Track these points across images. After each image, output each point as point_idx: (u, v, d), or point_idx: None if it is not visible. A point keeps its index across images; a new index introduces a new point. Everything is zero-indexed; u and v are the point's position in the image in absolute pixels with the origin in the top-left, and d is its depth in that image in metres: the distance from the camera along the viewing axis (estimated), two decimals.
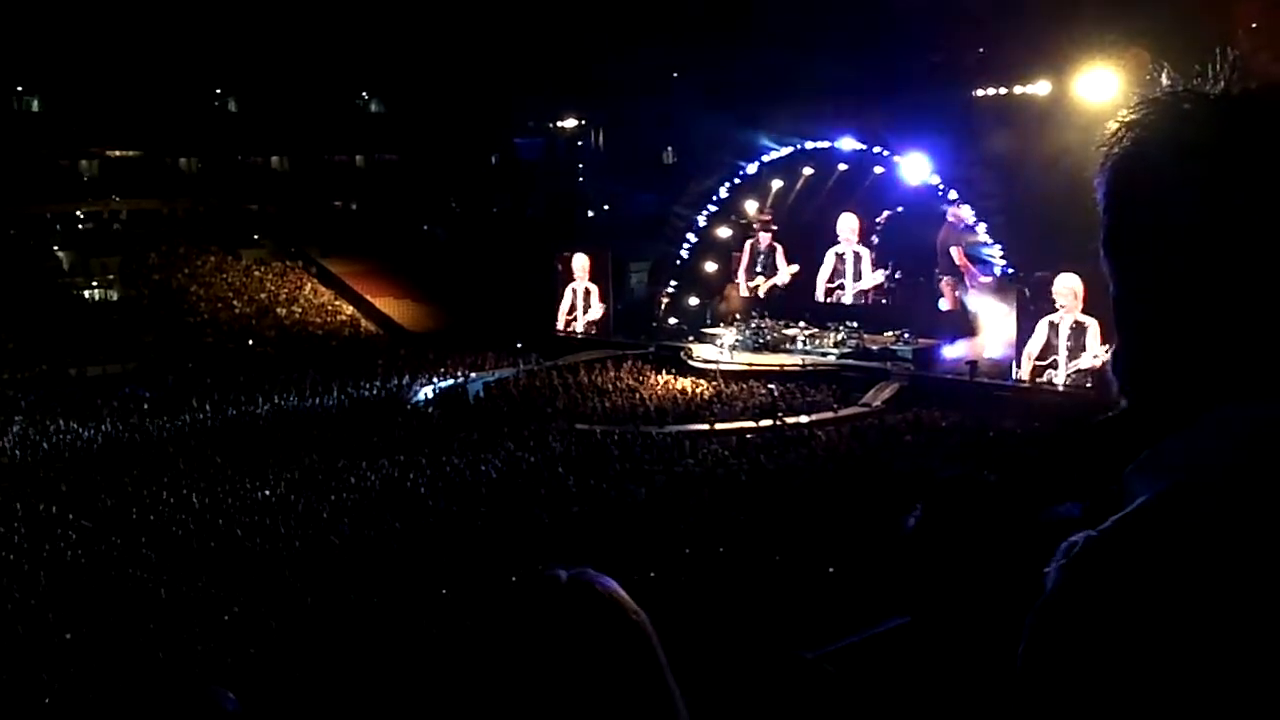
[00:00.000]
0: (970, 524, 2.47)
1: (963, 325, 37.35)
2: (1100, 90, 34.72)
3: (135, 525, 22.46)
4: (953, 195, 37.92)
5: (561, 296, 47.43)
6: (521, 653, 1.52)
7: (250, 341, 45.20)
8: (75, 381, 38.28)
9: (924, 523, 2.54)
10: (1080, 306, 32.26)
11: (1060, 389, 32.55)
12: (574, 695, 1.49)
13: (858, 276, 43.55)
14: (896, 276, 41.68)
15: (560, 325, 47.27)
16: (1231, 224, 1.07)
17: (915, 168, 38.80)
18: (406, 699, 13.20)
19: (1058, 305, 32.90)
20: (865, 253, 43.13)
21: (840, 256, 44.00)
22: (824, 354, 38.91)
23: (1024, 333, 33.93)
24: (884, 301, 42.41)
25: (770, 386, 34.77)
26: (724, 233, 45.65)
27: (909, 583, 2.55)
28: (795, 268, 45.13)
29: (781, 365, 37.85)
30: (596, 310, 46.49)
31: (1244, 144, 1.08)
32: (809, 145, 41.69)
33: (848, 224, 43.46)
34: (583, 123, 62.05)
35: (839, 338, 39.61)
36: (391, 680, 13.59)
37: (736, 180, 44.22)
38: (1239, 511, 1.01)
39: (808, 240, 44.97)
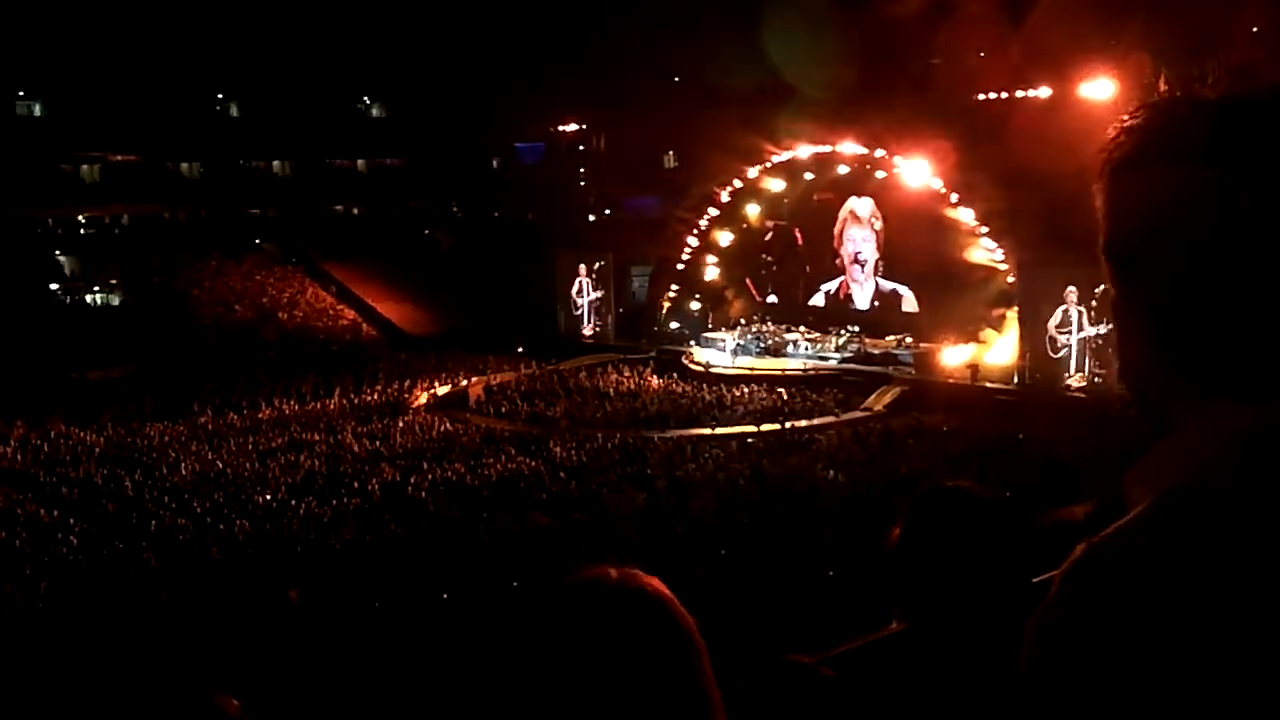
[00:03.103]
0: (952, 533, 2.47)
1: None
2: (1101, 94, 34.72)
3: (137, 530, 22.47)
4: (954, 199, 37.86)
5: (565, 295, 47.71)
6: (568, 652, 1.50)
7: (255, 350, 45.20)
8: (77, 386, 38.29)
9: (906, 533, 2.54)
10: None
11: (1073, 392, 32.51)
12: (619, 697, 1.48)
13: (877, 271, 42.93)
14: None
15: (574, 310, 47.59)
16: (1230, 227, 1.07)
17: (916, 171, 38.73)
18: (408, 703, 13.20)
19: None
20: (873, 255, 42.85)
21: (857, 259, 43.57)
22: (825, 358, 38.89)
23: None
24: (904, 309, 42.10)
25: (780, 390, 34.78)
26: (726, 237, 45.62)
27: (896, 592, 2.55)
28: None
29: (783, 369, 37.84)
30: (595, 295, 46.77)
31: (1243, 147, 1.08)
32: (810, 149, 41.58)
33: (865, 207, 42.60)
34: (584, 127, 62.11)
35: (840, 341, 39.60)
36: (393, 684, 13.59)
37: (738, 184, 44.17)
38: (1236, 516, 1.01)
39: (810, 243, 44.99)
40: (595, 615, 1.54)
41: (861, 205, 42.59)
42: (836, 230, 43.66)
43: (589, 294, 47.15)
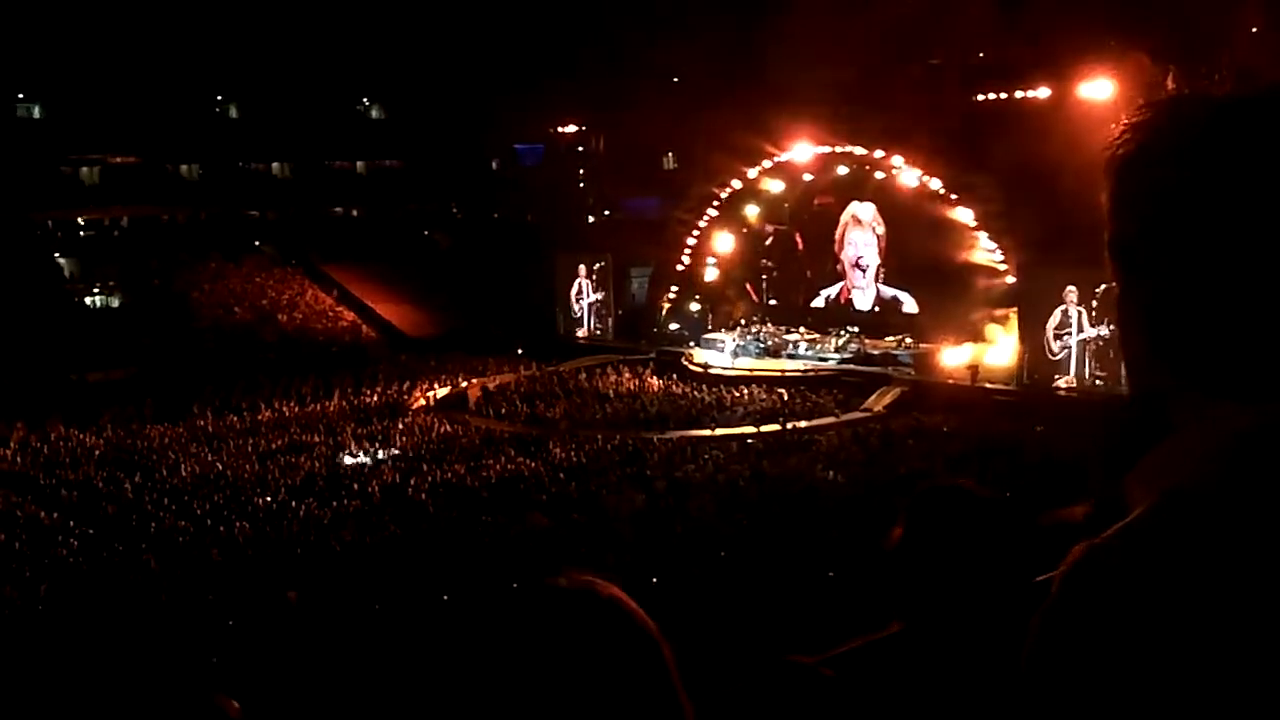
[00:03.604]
0: (952, 533, 2.47)
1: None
2: (1101, 94, 34.73)
3: (137, 532, 22.47)
4: (954, 199, 37.84)
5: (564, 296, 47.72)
6: (523, 664, 1.49)
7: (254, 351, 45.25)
8: (76, 388, 38.30)
9: (907, 533, 2.54)
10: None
11: (1063, 393, 32.51)
12: (579, 708, 1.47)
13: (879, 277, 42.70)
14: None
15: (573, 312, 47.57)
16: (1233, 226, 1.07)
17: (915, 173, 38.70)
18: (408, 704, 13.19)
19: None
20: (875, 260, 42.62)
21: (858, 264, 43.35)
22: (825, 359, 38.88)
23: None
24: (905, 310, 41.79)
25: (780, 391, 34.80)
26: (725, 238, 45.60)
27: (897, 592, 2.54)
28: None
29: (783, 370, 37.85)
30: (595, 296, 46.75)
31: (1246, 147, 1.08)
32: (809, 150, 41.53)
33: (867, 211, 42.29)
34: (583, 128, 62.13)
35: (840, 342, 39.58)
36: (393, 686, 13.58)
37: (737, 185, 44.15)
38: (1235, 517, 1.01)
39: (810, 248, 44.95)
40: (548, 624, 1.52)
41: (864, 209, 42.38)
42: (838, 234, 43.50)
43: (589, 295, 47.17)
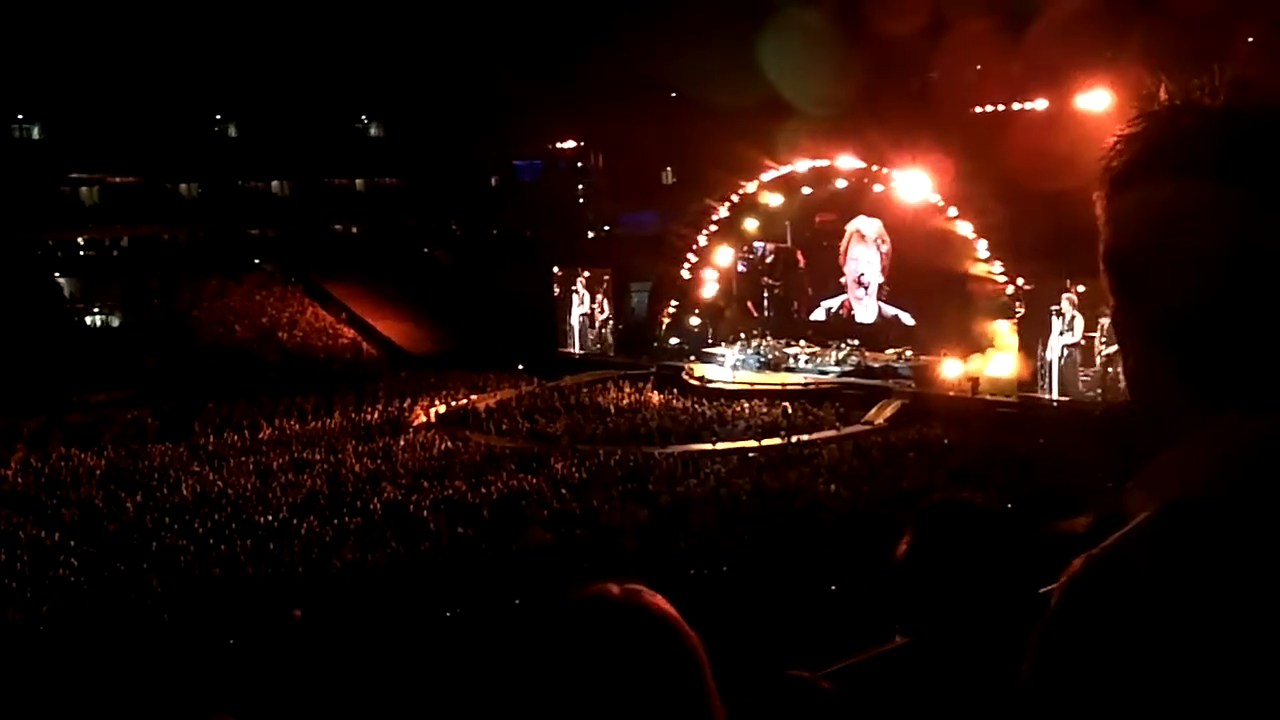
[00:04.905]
0: (957, 546, 2.47)
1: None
2: (1099, 105, 34.79)
3: (138, 551, 22.42)
4: (952, 212, 37.82)
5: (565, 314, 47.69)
6: (571, 670, 1.49)
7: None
8: (77, 408, 38.27)
9: (913, 546, 2.54)
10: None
11: (1061, 403, 32.50)
12: (624, 715, 1.47)
13: (882, 295, 42.41)
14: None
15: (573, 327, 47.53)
16: (1239, 240, 1.07)
17: (914, 185, 38.69)
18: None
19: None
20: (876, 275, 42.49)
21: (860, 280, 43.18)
22: (825, 372, 38.86)
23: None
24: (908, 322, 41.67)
25: (784, 404, 34.77)
26: (725, 253, 45.61)
27: (903, 605, 2.54)
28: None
29: (783, 384, 37.82)
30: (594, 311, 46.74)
31: (1243, 157, 1.08)
32: (808, 163, 41.53)
33: (871, 227, 42.07)
34: (582, 144, 62.24)
35: (840, 355, 39.57)
36: (396, 703, 13.55)
37: (736, 199, 44.18)
38: (1238, 528, 1.01)
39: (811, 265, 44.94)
40: (599, 632, 1.52)
41: (868, 225, 42.08)
42: (842, 247, 43.43)
43: (588, 310, 47.16)
